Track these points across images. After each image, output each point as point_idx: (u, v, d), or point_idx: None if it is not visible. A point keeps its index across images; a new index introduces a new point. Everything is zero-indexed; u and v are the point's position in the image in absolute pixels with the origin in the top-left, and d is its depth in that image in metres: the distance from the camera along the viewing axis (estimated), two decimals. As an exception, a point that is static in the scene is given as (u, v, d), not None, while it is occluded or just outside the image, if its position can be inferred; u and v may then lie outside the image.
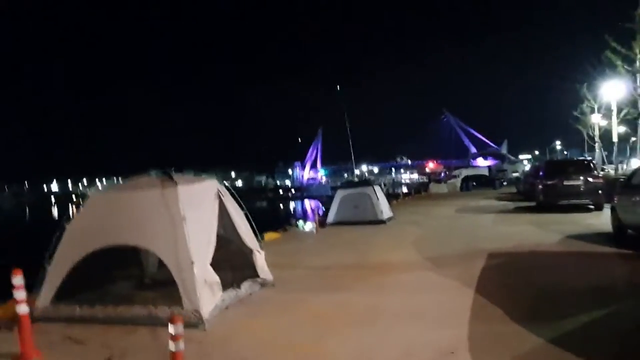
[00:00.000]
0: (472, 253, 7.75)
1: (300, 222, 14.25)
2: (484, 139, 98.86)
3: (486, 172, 43.97)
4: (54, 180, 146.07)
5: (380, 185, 17.69)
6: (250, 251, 5.80)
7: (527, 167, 47.76)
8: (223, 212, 5.46)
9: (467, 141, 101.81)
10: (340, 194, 14.93)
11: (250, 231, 5.98)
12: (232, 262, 5.85)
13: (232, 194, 5.93)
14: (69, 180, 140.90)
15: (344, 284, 6.15)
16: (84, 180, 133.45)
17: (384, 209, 14.34)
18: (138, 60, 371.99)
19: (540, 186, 15.01)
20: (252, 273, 5.85)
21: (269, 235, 11.75)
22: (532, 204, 16.23)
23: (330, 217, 14.79)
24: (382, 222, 13.76)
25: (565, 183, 14.16)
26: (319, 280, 6.51)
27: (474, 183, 39.44)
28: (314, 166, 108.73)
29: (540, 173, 15.79)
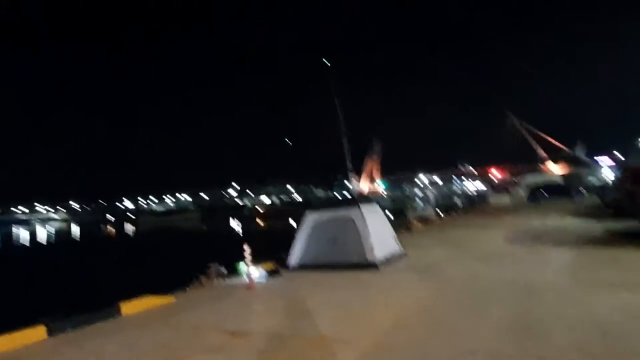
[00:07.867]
0: None
1: (242, 266, 8.95)
2: (554, 141, 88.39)
3: (558, 179, 36.34)
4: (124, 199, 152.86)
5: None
6: None
7: (607, 172, 39.21)
8: None
9: (534, 144, 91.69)
10: (310, 220, 9.48)
11: None
12: None
13: None
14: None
15: None
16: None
17: (380, 243, 8.75)
18: (185, 72, 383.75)
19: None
20: None
21: (134, 305, 6.53)
22: (633, 223, 10.16)
23: (295, 257, 9.40)
24: (374, 266, 8.23)
25: None
26: None
27: (544, 193, 32.19)
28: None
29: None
